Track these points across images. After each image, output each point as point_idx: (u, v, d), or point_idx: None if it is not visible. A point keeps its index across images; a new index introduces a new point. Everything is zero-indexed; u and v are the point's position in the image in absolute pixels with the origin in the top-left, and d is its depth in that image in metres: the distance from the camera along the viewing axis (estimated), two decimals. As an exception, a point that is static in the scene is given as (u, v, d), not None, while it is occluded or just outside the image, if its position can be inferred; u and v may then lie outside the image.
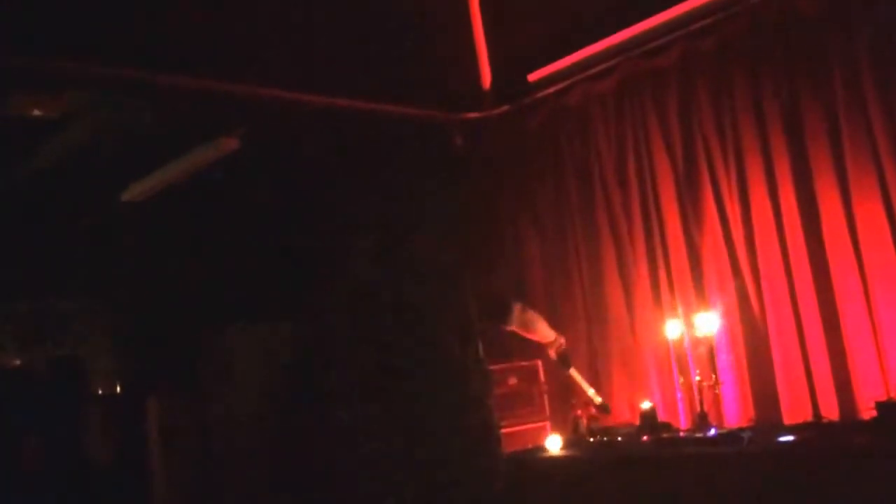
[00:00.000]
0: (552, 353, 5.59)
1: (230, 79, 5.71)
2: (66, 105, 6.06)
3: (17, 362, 7.01)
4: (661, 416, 5.37)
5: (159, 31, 5.38)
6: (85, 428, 6.34)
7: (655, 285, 5.77)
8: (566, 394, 5.80)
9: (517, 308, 5.43)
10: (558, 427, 5.59)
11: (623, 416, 5.72)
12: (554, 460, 5.26)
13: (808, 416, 4.96)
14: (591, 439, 5.33)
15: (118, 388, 8.08)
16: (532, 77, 6.23)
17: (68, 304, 8.09)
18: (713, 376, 5.09)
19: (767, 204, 5.25)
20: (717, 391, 5.16)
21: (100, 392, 7.91)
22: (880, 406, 4.37)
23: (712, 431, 4.90)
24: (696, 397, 5.12)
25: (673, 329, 5.40)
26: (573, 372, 5.57)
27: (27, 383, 6.63)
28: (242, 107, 6.10)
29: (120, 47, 5.23)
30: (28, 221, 7.52)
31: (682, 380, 5.33)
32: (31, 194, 7.33)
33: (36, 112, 5.99)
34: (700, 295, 5.53)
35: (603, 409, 5.50)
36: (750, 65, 5.35)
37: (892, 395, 4.63)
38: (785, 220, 5.17)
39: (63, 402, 6.35)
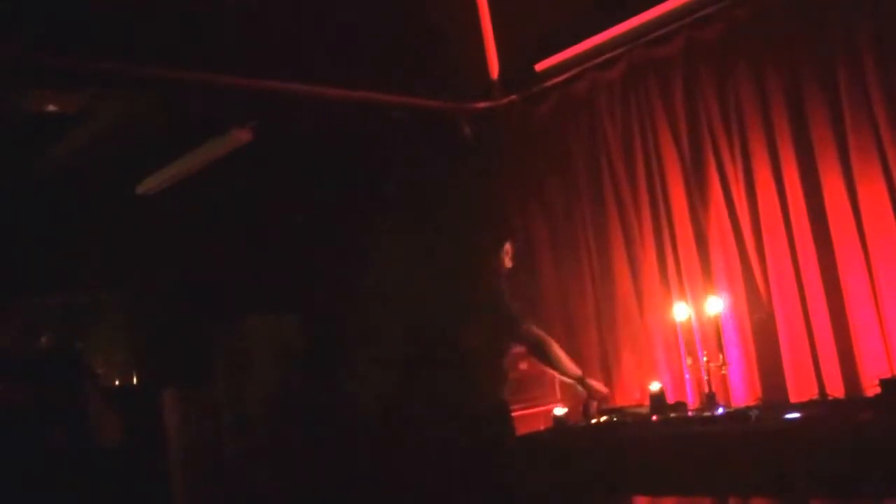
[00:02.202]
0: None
1: (242, 72, 5.77)
2: (81, 101, 6.13)
3: (24, 355, 7.05)
4: (670, 397, 5.44)
5: (170, 25, 5.43)
6: (94, 417, 6.40)
7: (663, 269, 5.82)
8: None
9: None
10: (569, 409, 5.66)
11: (632, 397, 5.80)
12: (565, 441, 5.37)
13: (813, 393, 5.02)
14: (602, 419, 5.40)
15: (134, 381, 8.16)
16: (539, 67, 6.28)
17: (83, 298, 8.15)
18: (720, 357, 5.17)
19: (772, 187, 5.31)
20: (724, 371, 5.23)
21: (116, 384, 8.00)
22: (884, 383, 4.44)
23: (720, 410, 4.98)
24: (704, 378, 5.19)
25: (680, 311, 5.47)
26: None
27: (30, 374, 6.67)
28: (254, 99, 6.17)
29: (131, 42, 5.29)
30: (42, 216, 7.60)
31: (689, 361, 5.38)
32: (45, 190, 7.41)
33: (51, 108, 6.04)
34: (707, 277, 5.58)
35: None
36: (753, 52, 5.39)
37: (897, 371, 4.70)
38: (790, 202, 5.23)
39: (62, 392, 6.41)
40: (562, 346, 5.60)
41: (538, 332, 5.38)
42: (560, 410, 5.54)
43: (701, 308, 5.42)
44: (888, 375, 4.56)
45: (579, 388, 5.45)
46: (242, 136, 6.62)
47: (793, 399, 5.13)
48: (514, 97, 6.56)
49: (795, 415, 4.62)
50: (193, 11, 5.54)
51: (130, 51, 5.34)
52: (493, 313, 5.10)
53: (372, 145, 6.82)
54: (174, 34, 5.46)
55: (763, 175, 5.36)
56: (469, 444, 4.82)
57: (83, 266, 8.01)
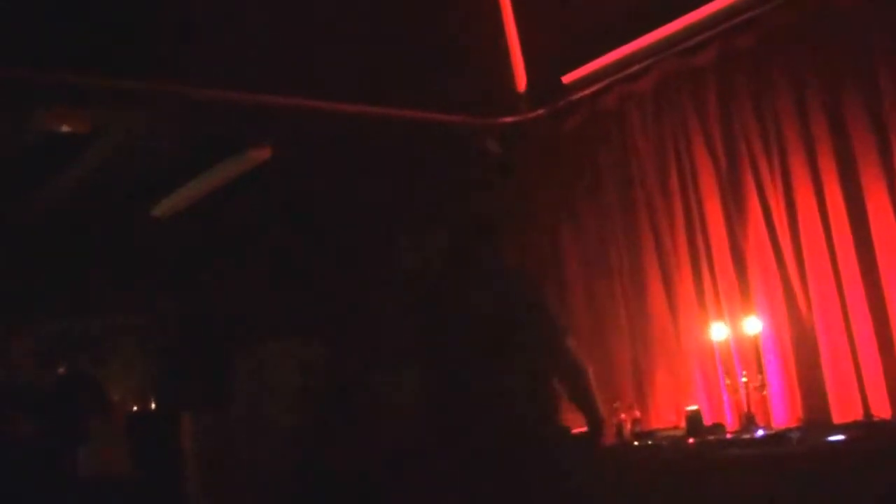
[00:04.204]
0: None
1: (261, 90, 5.69)
2: (95, 120, 6.06)
3: (38, 385, 6.96)
4: (707, 419, 5.28)
5: (186, 44, 5.38)
6: (105, 443, 6.28)
7: (699, 287, 5.65)
8: (610, 398, 5.69)
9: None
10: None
11: (668, 419, 5.62)
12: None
13: (858, 414, 4.83)
14: (636, 443, 5.24)
15: (152, 406, 8.08)
16: (567, 79, 6.16)
17: (99, 323, 8.10)
18: (759, 377, 5.03)
19: (813, 201, 5.13)
20: (763, 392, 5.07)
21: (134, 409, 7.92)
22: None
23: (760, 432, 4.83)
24: (743, 399, 5.04)
25: (718, 331, 5.32)
26: None
27: (42, 405, 6.57)
28: (272, 117, 6.08)
29: (146, 61, 5.25)
30: (57, 239, 7.54)
31: (728, 381, 5.23)
32: (61, 212, 7.34)
33: (65, 128, 5.98)
34: (745, 295, 5.41)
35: None
36: (790, 60, 5.25)
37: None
38: (831, 216, 5.05)
39: (73, 423, 6.29)
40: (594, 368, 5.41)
41: (578, 354, 4.93)
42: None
43: (739, 328, 5.26)
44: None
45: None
46: (260, 154, 6.53)
47: (836, 420, 4.93)
48: (541, 111, 6.43)
49: (839, 437, 4.46)
50: (210, 29, 5.47)
51: (143, 68, 5.28)
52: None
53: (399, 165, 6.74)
54: (190, 51, 5.38)
55: (803, 189, 5.19)
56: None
57: (99, 291, 7.95)
